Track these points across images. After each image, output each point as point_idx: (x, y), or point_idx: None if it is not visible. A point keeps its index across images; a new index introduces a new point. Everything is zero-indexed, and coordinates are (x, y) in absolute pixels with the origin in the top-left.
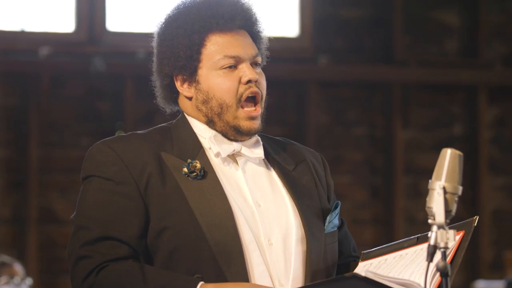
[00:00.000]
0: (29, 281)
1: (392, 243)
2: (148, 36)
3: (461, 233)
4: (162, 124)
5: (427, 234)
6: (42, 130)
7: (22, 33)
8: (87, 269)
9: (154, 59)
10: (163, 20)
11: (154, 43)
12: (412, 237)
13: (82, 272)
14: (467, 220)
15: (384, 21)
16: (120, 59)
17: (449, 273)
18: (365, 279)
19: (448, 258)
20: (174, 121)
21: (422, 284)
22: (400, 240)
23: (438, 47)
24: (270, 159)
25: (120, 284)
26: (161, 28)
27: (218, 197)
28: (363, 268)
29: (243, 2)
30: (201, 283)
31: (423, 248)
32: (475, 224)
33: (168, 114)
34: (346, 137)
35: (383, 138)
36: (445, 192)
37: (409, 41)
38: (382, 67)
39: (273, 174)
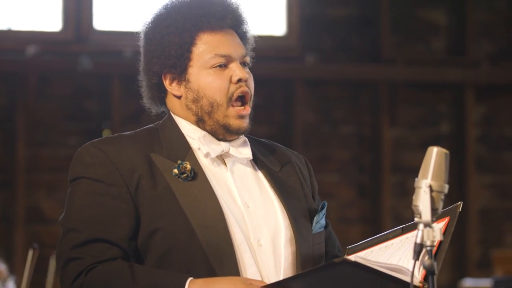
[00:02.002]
0: (13, 279)
1: (377, 235)
2: (135, 35)
3: (446, 219)
4: (149, 125)
5: (412, 223)
6: (29, 129)
7: (9, 32)
8: (77, 270)
9: (141, 58)
10: (150, 19)
11: (141, 42)
12: (397, 228)
13: (72, 274)
14: (452, 206)
15: (371, 20)
16: (107, 58)
17: (435, 271)
18: (355, 264)
19: (435, 244)
20: (161, 121)
21: (411, 269)
22: (385, 232)
23: (425, 46)
24: (257, 160)
25: (109, 283)
26: (148, 27)
27: (209, 198)
28: None
29: (232, 2)
30: (190, 278)
31: (408, 237)
32: (460, 210)
33: (154, 115)
34: (333, 136)
35: (370, 136)
36: (431, 190)
37: (396, 40)
38: (369, 66)
39: (260, 175)
